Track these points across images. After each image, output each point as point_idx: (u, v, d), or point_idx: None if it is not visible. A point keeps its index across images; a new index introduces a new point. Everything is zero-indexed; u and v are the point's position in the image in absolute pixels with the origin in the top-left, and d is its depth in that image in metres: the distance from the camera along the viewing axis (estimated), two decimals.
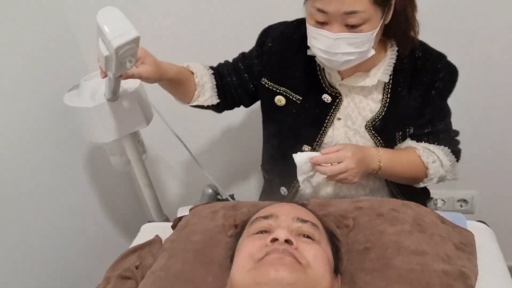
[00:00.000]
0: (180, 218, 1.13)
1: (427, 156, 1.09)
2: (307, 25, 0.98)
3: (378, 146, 1.09)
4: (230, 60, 1.23)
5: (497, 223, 1.12)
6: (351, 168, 0.98)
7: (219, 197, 1.63)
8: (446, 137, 1.12)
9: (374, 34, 0.94)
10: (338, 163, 0.98)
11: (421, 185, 1.13)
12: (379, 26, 0.94)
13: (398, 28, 1.00)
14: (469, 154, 1.21)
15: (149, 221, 1.32)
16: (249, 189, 1.81)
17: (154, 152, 1.59)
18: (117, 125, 1.18)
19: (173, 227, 1.13)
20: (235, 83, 1.18)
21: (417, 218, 0.91)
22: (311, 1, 0.93)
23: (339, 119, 1.11)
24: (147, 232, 1.21)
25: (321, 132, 1.12)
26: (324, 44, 0.95)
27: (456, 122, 1.14)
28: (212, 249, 0.93)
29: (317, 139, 1.12)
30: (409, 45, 1.03)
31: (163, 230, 1.16)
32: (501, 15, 1.31)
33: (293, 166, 1.03)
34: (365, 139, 1.10)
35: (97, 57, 0.94)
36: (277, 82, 1.14)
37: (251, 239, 0.77)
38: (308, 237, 0.77)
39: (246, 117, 1.66)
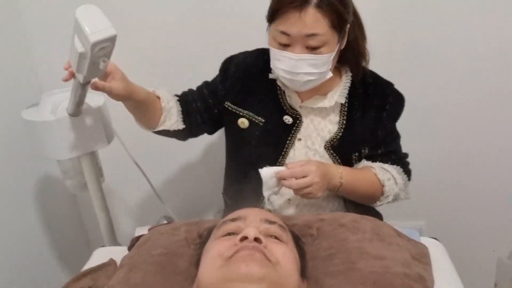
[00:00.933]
0: (138, 237, 1.09)
1: (383, 174, 1.16)
2: (270, 48, 1.05)
3: None
4: (194, 88, 1.26)
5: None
6: (315, 182, 1.01)
7: None
8: (398, 158, 1.21)
9: (332, 57, 1.03)
10: (303, 177, 1.01)
11: (378, 203, 1.19)
12: (336, 49, 1.03)
13: (351, 55, 1.11)
14: (417, 186, 1.29)
15: (103, 246, 1.27)
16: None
17: (110, 179, 1.55)
18: (78, 142, 1.15)
19: (130, 247, 1.09)
20: (200, 109, 1.21)
21: (376, 229, 0.95)
22: (274, 24, 1.01)
23: (299, 139, 1.16)
24: (100, 257, 1.16)
25: (283, 152, 1.16)
26: (287, 65, 1.02)
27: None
28: (175, 261, 0.91)
29: (279, 159, 1.16)
30: (360, 71, 1.15)
31: (118, 254, 1.11)
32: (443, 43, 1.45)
33: (257, 186, 1.05)
34: (324, 159, 1.15)
35: (65, 65, 0.94)
36: (240, 105, 1.18)
37: (219, 241, 0.77)
38: (276, 238, 0.78)
39: (208, 147, 1.67)
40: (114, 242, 1.37)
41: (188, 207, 1.76)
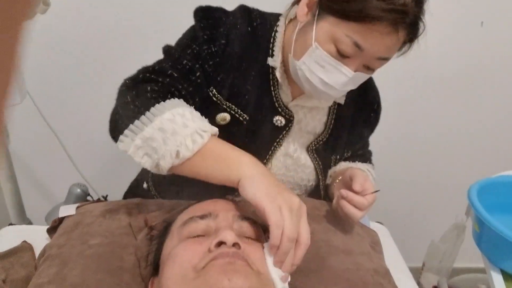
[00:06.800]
0: (62, 219, 0.92)
1: (371, 178, 1.04)
2: (317, 46, 0.77)
3: (317, 171, 0.99)
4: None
5: None
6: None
7: (89, 198, 1.42)
8: (370, 156, 1.12)
9: None
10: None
11: None
12: None
13: None
14: None
15: (11, 224, 1.06)
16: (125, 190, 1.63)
17: (15, 141, 1.31)
18: None
19: (52, 229, 0.92)
20: (188, 90, 0.83)
21: (336, 217, 0.91)
22: (348, 26, 0.73)
23: (280, 145, 0.96)
24: (8, 237, 0.96)
25: (265, 162, 0.93)
26: (334, 80, 0.79)
27: None
28: (120, 254, 0.77)
29: None
30: None
31: (30, 234, 0.94)
32: None
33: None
34: (304, 167, 0.98)
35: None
36: (225, 96, 0.87)
37: (187, 244, 0.64)
38: (249, 237, 0.69)
39: None
40: (24, 217, 1.16)
41: (104, 176, 1.57)
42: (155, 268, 0.69)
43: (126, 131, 0.72)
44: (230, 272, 0.57)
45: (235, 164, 0.70)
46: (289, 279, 0.63)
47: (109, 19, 1.30)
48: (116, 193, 1.61)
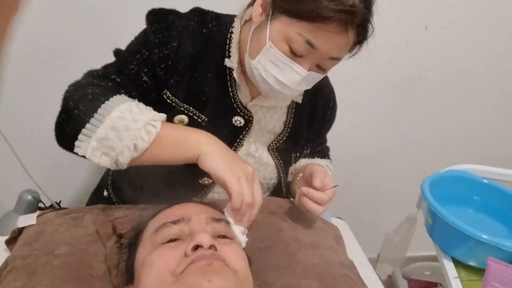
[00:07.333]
0: (21, 229, 0.88)
1: (330, 172, 1.08)
2: (271, 45, 0.79)
3: (279, 170, 1.02)
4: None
5: None
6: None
7: (41, 205, 1.37)
8: (328, 152, 1.16)
9: None
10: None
11: None
12: None
13: None
14: None
15: None
16: (78, 195, 1.58)
17: None
18: None
19: (11, 240, 0.88)
20: (133, 95, 0.85)
21: (301, 214, 0.94)
22: (300, 26, 0.76)
23: (241, 145, 0.98)
24: None
25: None
26: (288, 79, 0.81)
27: None
28: (88, 262, 0.76)
29: None
30: None
31: None
32: None
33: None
34: (266, 166, 1.00)
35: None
36: (181, 98, 0.88)
37: (162, 250, 0.65)
38: (223, 236, 0.70)
39: None
40: None
41: (56, 181, 1.51)
42: (129, 277, 0.69)
43: (80, 136, 0.74)
44: (209, 274, 0.58)
45: (193, 144, 0.74)
46: (246, 232, 0.72)
47: (52, 24, 1.26)
48: (69, 198, 1.55)
